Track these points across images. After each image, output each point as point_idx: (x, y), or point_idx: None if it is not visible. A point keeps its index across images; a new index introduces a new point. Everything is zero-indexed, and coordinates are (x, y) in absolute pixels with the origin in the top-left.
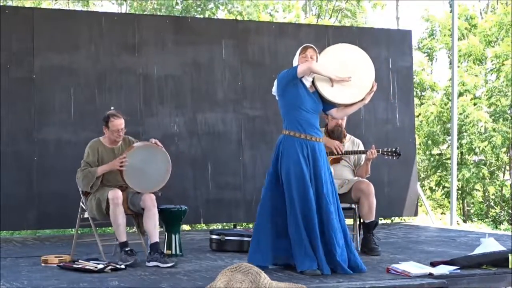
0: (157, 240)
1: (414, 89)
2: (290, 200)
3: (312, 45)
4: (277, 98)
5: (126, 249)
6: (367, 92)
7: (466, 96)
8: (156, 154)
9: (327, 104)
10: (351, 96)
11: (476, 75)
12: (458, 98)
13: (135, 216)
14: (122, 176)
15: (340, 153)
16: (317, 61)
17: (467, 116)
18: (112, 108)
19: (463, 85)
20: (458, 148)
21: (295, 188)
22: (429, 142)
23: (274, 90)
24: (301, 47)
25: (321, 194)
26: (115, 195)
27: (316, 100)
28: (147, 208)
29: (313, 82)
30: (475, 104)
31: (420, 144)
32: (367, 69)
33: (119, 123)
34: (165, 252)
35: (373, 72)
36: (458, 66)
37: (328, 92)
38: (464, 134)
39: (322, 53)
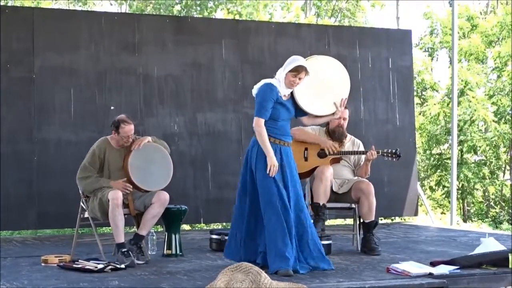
0: (144, 234)
1: (416, 88)
2: (268, 202)
3: (307, 67)
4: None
5: (123, 249)
6: (338, 106)
7: (467, 96)
8: (154, 151)
9: (299, 111)
10: (323, 108)
11: (478, 74)
12: (461, 97)
13: (136, 215)
14: (131, 179)
15: (333, 153)
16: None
17: (469, 114)
18: (112, 108)
19: (465, 84)
20: (458, 146)
21: (272, 190)
22: (433, 141)
23: (254, 92)
24: (296, 64)
25: (295, 194)
26: (115, 196)
27: (290, 108)
28: (157, 205)
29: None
30: (479, 102)
31: (422, 143)
32: (342, 85)
33: (129, 129)
34: (165, 252)
35: (348, 87)
36: (462, 66)
37: (303, 101)
38: (466, 132)
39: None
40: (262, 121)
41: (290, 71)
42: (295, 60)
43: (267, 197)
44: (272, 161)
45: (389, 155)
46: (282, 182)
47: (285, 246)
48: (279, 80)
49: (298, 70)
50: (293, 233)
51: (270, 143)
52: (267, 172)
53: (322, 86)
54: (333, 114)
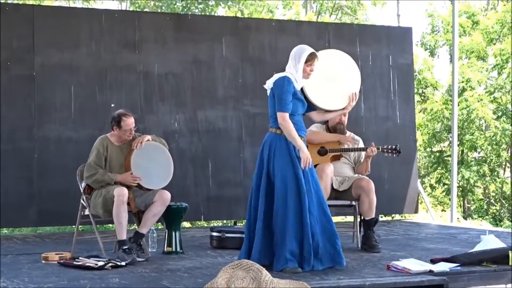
0: (144, 233)
1: (416, 86)
2: (283, 199)
3: (316, 52)
4: (268, 93)
5: (124, 247)
6: (348, 101)
7: (467, 92)
8: (154, 149)
9: (309, 106)
10: (334, 103)
11: (479, 71)
12: (462, 94)
13: (137, 213)
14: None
15: (334, 150)
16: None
17: (470, 112)
18: (112, 105)
19: (467, 81)
20: (459, 145)
21: (290, 188)
22: (433, 139)
23: (268, 85)
24: (308, 53)
25: (309, 191)
26: (121, 193)
27: (304, 102)
28: (158, 203)
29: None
30: (478, 101)
31: (423, 141)
32: (353, 79)
33: (131, 121)
34: (165, 249)
35: (359, 82)
36: (463, 64)
37: (313, 96)
38: (466, 130)
39: None
40: (287, 115)
41: (304, 63)
42: (304, 50)
43: (282, 197)
44: (305, 154)
45: (389, 151)
46: (302, 177)
47: (293, 248)
48: (292, 74)
49: (311, 59)
50: (308, 231)
51: (285, 137)
52: (302, 166)
53: (332, 80)
54: (343, 109)
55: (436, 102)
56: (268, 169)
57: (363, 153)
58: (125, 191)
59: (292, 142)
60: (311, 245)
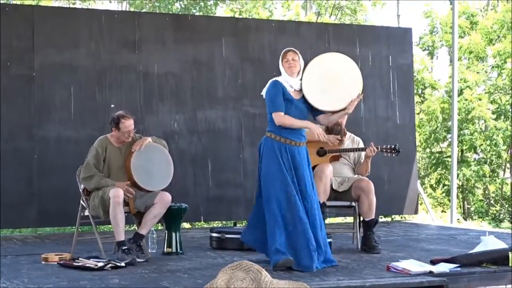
0: (144, 234)
1: (415, 87)
2: (268, 199)
3: (292, 48)
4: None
5: (124, 247)
6: (349, 102)
7: (466, 91)
8: (155, 151)
9: (316, 110)
10: (331, 104)
11: (478, 72)
12: (461, 95)
13: (137, 214)
14: (134, 179)
15: (334, 150)
16: (300, 62)
17: (469, 112)
18: (112, 106)
19: (464, 81)
20: (458, 145)
21: (275, 188)
22: (432, 139)
23: (264, 92)
24: (282, 52)
25: (305, 194)
26: (116, 194)
27: (301, 106)
28: (159, 205)
29: (301, 87)
30: (477, 100)
31: (420, 141)
32: (354, 80)
33: (130, 123)
34: (165, 250)
35: (360, 83)
36: (461, 64)
37: (313, 98)
38: (465, 131)
39: (312, 60)
40: (280, 113)
41: (282, 61)
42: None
43: (266, 195)
44: (313, 129)
45: (389, 150)
46: (292, 181)
47: (282, 241)
48: (284, 76)
49: (284, 55)
50: (299, 229)
51: (275, 141)
52: (317, 136)
53: (331, 83)
54: (344, 109)
55: (433, 102)
56: (259, 170)
57: (363, 154)
58: (120, 192)
59: (299, 127)
60: (302, 242)
